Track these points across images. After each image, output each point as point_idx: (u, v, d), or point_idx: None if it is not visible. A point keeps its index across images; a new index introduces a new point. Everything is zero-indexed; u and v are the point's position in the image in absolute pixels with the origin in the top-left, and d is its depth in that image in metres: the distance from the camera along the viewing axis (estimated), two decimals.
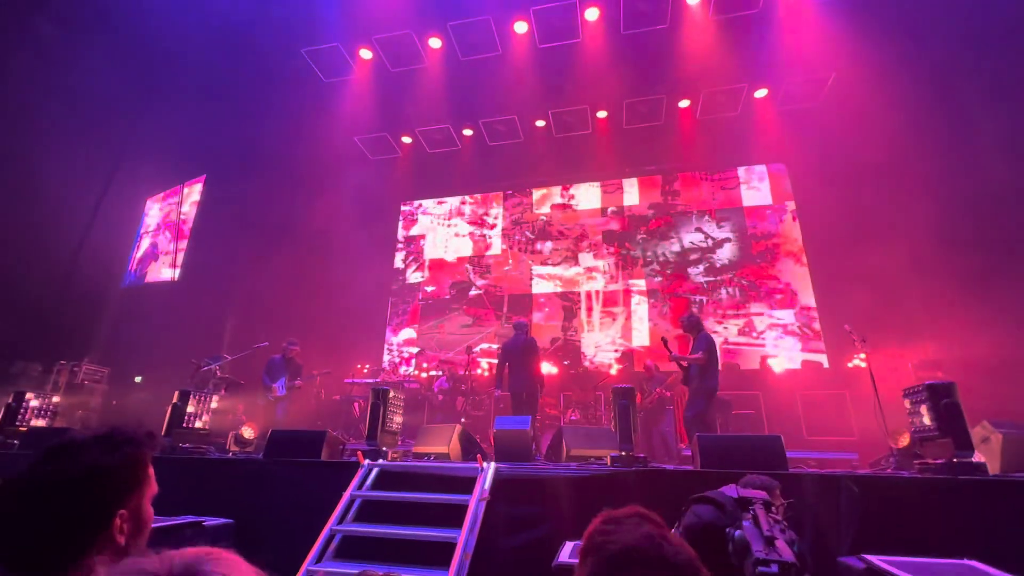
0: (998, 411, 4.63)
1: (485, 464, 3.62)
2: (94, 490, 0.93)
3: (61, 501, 0.90)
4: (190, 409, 4.85)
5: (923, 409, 3.54)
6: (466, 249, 11.65)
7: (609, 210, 11.07)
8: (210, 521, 3.48)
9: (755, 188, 10.29)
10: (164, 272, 10.34)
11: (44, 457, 0.94)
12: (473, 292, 11.17)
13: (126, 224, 11.33)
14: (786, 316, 9.22)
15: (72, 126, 9.26)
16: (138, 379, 9.27)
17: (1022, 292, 6.21)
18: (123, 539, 0.94)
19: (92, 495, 0.93)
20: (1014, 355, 5.93)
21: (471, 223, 11.87)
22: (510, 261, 11.20)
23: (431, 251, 11.87)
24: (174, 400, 4.83)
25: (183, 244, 10.36)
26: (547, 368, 9.62)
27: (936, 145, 7.45)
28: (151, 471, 1.05)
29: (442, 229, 12.01)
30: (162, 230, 11.10)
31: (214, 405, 5.18)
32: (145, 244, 11.21)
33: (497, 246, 11.45)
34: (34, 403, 5.57)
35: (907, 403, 3.74)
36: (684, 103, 9.52)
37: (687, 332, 6.09)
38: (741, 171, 10.46)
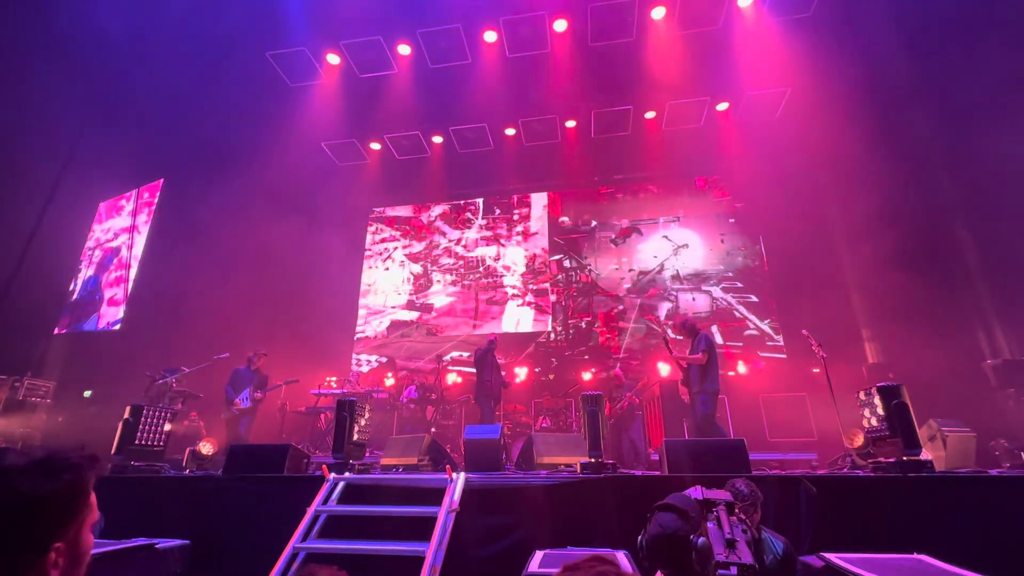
0: (944, 411, 4.91)
1: (455, 475, 3.57)
2: (27, 522, 0.84)
3: None
4: (143, 425, 4.61)
5: (874, 410, 3.71)
6: (434, 256, 11.57)
7: (578, 219, 11.21)
8: (164, 543, 3.30)
9: (717, 198, 10.63)
10: (109, 312, 9.84)
11: None
12: (443, 302, 11.09)
13: (75, 228, 10.76)
14: (749, 322, 9.52)
15: (19, 124, 8.76)
16: (87, 393, 8.76)
17: (964, 301, 6.61)
18: (57, 573, 0.86)
19: (24, 527, 0.83)
20: (958, 357, 6.30)
21: (439, 230, 11.80)
22: (480, 269, 11.19)
23: (398, 258, 11.74)
24: (126, 415, 4.57)
25: (136, 253, 9.89)
26: (518, 375, 9.63)
27: (886, 159, 7.87)
28: (93, 499, 0.96)
29: (406, 238, 11.91)
30: (115, 238, 10.58)
31: (169, 421, 4.94)
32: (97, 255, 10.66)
33: (466, 253, 11.42)
34: None
35: (860, 404, 3.91)
36: (650, 114, 9.77)
37: (684, 336, 6.04)
38: (705, 181, 10.79)
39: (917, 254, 7.32)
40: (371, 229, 12.17)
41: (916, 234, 7.42)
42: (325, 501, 3.60)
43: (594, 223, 11.06)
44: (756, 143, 9.69)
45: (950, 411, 4.91)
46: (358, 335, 11.16)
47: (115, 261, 10.23)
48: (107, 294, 9.90)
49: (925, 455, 3.42)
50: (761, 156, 9.74)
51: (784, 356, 9.10)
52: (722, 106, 9.48)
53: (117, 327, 9.11)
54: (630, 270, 10.44)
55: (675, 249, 10.40)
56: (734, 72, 8.67)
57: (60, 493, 0.89)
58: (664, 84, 8.83)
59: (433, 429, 7.61)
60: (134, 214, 10.41)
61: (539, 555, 2.70)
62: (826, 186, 8.81)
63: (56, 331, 9.75)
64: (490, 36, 8.31)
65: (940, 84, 7.33)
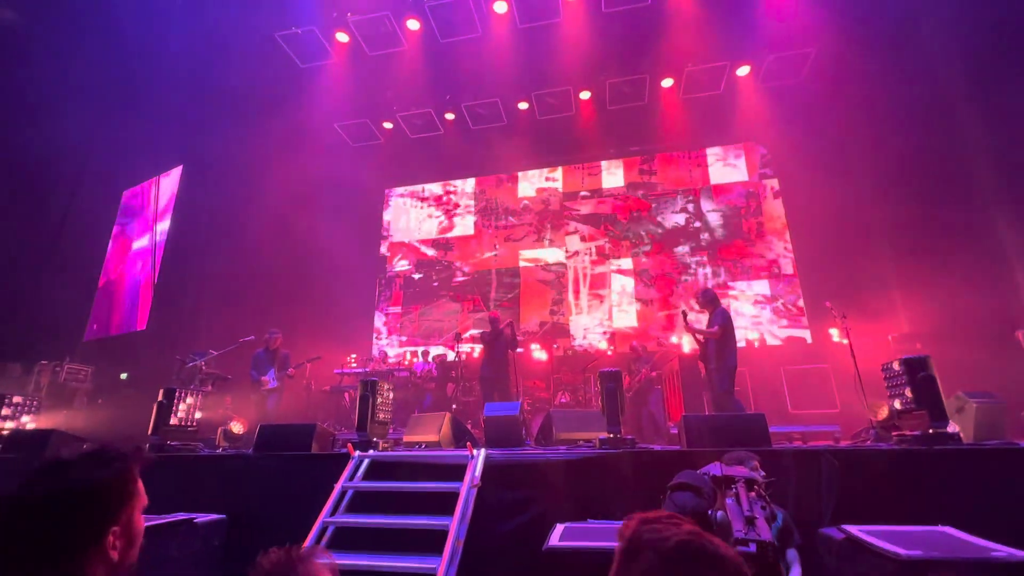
0: (973, 381, 4.78)
1: (475, 451, 3.64)
2: (86, 507, 0.94)
3: (54, 518, 0.90)
4: (177, 406, 4.80)
5: (900, 382, 3.63)
6: (447, 233, 11.58)
7: (594, 192, 11.04)
8: (202, 518, 3.48)
9: (738, 167, 10.33)
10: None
11: (36, 475, 0.95)
12: (459, 278, 11.14)
13: (103, 218, 11.05)
14: (771, 293, 9.35)
15: (38, 117, 8.95)
16: (124, 376, 9.14)
17: (995, 268, 6.36)
18: (116, 554, 0.96)
19: (84, 512, 0.93)
20: (988, 326, 6.09)
21: (452, 207, 11.77)
22: (497, 247, 11.16)
23: (407, 236, 11.79)
24: (160, 398, 4.76)
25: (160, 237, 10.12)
26: (536, 352, 9.68)
27: (915, 121, 7.50)
28: (140, 485, 1.06)
29: (416, 212, 11.93)
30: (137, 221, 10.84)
31: (201, 401, 5.12)
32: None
33: (480, 230, 11.39)
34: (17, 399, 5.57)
35: (885, 377, 3.83)
36: (667, 82, 9.45)
37: (703, 307, 5.95)
38: (725, 150, 10.48)
39: (947, 222, 7.03)
40: (386, 208, 12.17)
41: (947, 201, 7.11)
42: (351, 477, 3.72)
43: (611, 196, 10.88)
44: (779, 108, 9.32)
45: (980, 382, 4.78)
46: (377, 315, 11.32)
47: (141, 251, 10.50)
48: (134, 286, 10.18)
49: (952, 427, 3.35)
50: (784, 121, 9.38)
51: (807, 330, 8.95)
52: (743, 70, 9.10)
53: (144, 325, 9.36)
54: (648, 243, 10.30)
55: (694, 220, 10.19)
56: (756, 33, 8.29)
57: (112, 481, 0.99)
58: (681, 50, 8.50)
59: (454, 406, 7.75)
60: (156, 203, 10.60)
61: (560, 528, 2.76)
62: (853, 154, 8.45)
63: (87, 337, 10.08)
64: (500, 7, 8.08)
65: (978, 42, 6.86)
